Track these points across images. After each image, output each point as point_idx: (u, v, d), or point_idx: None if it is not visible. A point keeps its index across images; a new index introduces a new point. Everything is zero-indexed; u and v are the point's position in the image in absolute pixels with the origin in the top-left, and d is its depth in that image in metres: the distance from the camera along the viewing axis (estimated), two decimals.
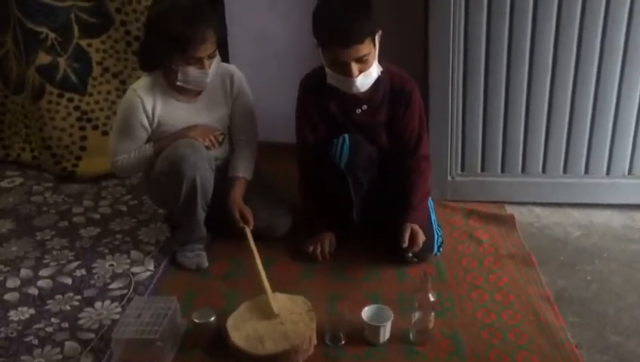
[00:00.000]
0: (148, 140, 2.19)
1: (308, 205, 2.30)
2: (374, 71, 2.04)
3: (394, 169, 2.23)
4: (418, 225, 2.12)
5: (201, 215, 2.17)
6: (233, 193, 2.22)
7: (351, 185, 2.16)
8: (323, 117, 2.18)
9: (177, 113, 2.18)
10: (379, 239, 2.26)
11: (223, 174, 2.26)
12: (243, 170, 2.28)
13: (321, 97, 2.15)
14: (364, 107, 2.15)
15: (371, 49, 1.99)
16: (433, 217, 2.26)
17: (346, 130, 2.15)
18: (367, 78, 2.03)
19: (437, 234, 2.22)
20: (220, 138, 2.25)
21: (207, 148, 2.15)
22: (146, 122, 2.14)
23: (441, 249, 2.23)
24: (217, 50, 2.13)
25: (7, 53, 2.97)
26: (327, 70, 2.05)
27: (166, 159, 2.10)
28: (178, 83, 2.10)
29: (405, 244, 2.07)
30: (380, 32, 2.02)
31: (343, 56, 1.96)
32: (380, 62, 2.07)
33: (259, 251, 2.05)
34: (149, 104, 2.12)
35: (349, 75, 1.99)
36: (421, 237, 2.10)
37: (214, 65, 2.11)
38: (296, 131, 2.26)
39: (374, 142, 2.20)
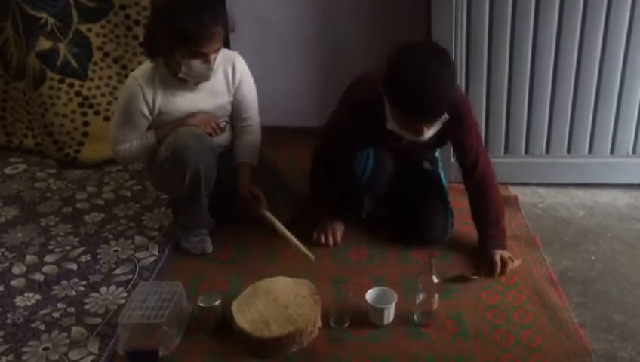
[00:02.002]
0: (149, 128, 2.18)
1: (318, 197, 2.27)
2: (439, 125, 1.87)
3: (410, 174, 2.23)
4: (500, 248, 2.05)
5: (205, 201, 2.17)
6: (241, 179, 2.22)
7: (367, 197, 2.16)
8: (368, 135, 2.04)
9: (178, 102, 2.16)
10: (383, 223, 2.27)
11: (226, 161, 2.25)
12: (248, 156, 2.27)
13: (370, 123, 1.97)
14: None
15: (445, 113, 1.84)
16: (447, 198, 2.24)
17: (390, 151, 2.12)
18: (431, 132, 1.87)
19: (450, 217, 2.20)
20: (222, 125, 2.24)
21: (209, 135, 2.15)
22: (146, 111, 2.12)
23: (452, 228, 2.22)
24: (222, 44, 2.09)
25: (7, 39, 2.95)
26: (392, 120, 1.88)
27: (169, 148, 2.09)
28: (181, 75, 2.07)
29: (496, 277, 2.01)
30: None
31: (419, 125, 1.83)
32: None
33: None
34: (150, 93, 2.10)
35: (417, 135, 1.86)
36: (510, 263, 2.03)
37: (219, 58, 2.08)
38: (328, 127, 2.15)
39: (417, 162, 2.19)
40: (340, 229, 2.25)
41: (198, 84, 2.16)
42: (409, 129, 1.87)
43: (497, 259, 2.02)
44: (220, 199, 2.22)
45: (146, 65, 2.15)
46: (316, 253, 2.17)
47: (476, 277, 2.01)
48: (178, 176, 2.08)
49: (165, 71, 2.12)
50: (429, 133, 1.86)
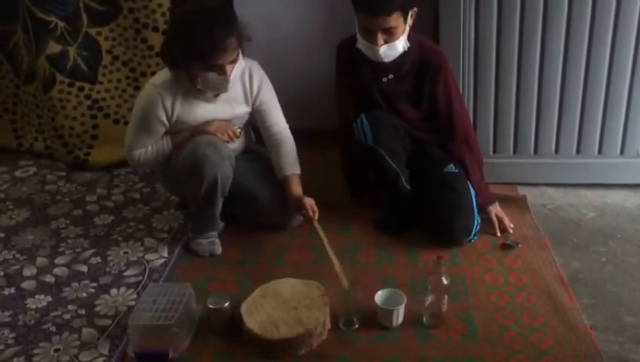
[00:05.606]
0: (165, 133, 2.17)
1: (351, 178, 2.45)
2: (400, 45, 2.10)
3: (426, 137, 2.32)
4: (488, 203, 2.26)
5: (218, 207, 2.18)
6: (292, 192, 2.18)
7: (387, 157, 2.18)
8: (357, 82, 2.25)
9: (197, 111, 2.14)
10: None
11: (239, 164, 2.23)
12: (291, 168, 2.23)
13: (354, 62, 2.21)
14: (390, 76, 2.21)
15: (400, 23, 2.05)
16: (474, 203, 2.23)
17: (372, 98, 2.23)
18: (391, 49, 2.09)
19: (476, 221, 2.19)
20: (238, 132, 2.24)
21: (226, 142, 2.14)
22: (164, 118, 2.11)
23: (476, 237, 2.21)
24: (240, 54, 2.07)
25: (17, 42, 2.98)
26: (357, 34, 2.13)
27: (187, 157, 2.08)
28: (198, 87, 2.06)
29: (499, 234, 2.24)
30: (414, 9, 2.07)
31: (370, 24, 2.04)
32: (413, 34, 2.13)
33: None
34: (169, 101, 2.09)
35: (373, 42, 2.07)
36: (506, 218, 2.26)
37: (236, 69, 2.06)
38: (336, 102, 2.37)
39: (398, 112, 2.25)
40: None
41: (216, 95, 2.15)
42: (366, 37, 2.08)
43: (493, 216, 2.26)
44: (230, 201, 2.22)
45: (165, 73, 2.12)
46: (324, 254, 2.17)
47: (519, 244, 2.17)
48: (195, 184, 2.09)
49: (186, 81, 2.09)
50: (385, 46, 2.06)
